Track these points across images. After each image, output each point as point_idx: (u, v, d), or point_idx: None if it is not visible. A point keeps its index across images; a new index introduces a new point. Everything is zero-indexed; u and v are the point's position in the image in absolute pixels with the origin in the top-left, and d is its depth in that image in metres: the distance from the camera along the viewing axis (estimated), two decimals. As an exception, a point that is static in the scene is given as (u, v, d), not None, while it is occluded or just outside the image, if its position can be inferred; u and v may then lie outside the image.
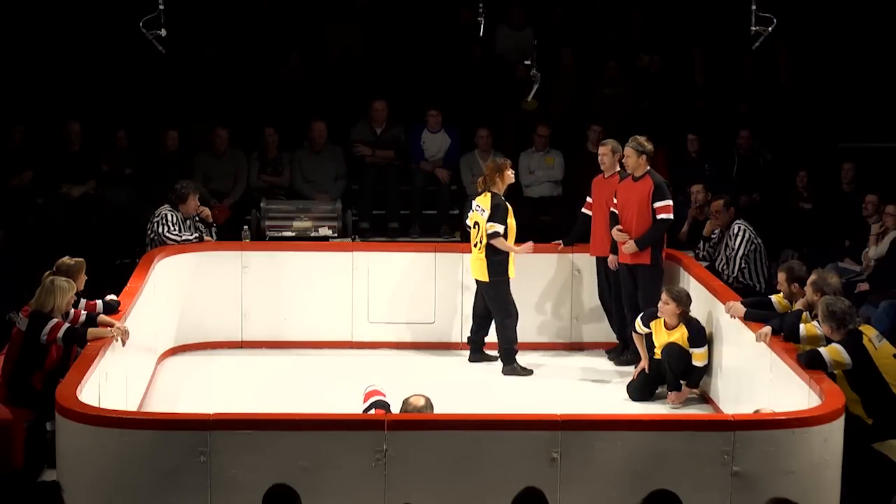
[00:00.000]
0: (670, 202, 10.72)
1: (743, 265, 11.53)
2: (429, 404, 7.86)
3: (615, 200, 10.92)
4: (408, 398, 7.90)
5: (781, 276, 9.53)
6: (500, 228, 10.75)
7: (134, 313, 9.54)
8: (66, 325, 8.73)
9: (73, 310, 9.08)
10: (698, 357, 10.05)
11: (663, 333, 10.09)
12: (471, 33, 12.93)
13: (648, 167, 10.76)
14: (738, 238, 11.60)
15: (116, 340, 8.75)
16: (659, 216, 10.66)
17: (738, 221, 11.75)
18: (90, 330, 8.77)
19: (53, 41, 14.39)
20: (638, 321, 10.26)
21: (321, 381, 10.60)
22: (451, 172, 13.71)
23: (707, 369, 10.14)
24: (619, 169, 11.11)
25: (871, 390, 8.21)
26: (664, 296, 10.03)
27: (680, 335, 10.05)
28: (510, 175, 11.02)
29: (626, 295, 10.79)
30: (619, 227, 10.77)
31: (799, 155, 13.74)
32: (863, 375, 8.20)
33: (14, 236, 12.46)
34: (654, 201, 10.65)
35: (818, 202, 13.13)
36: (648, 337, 10.23)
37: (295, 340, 11.51)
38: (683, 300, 10.01)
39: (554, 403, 9.75)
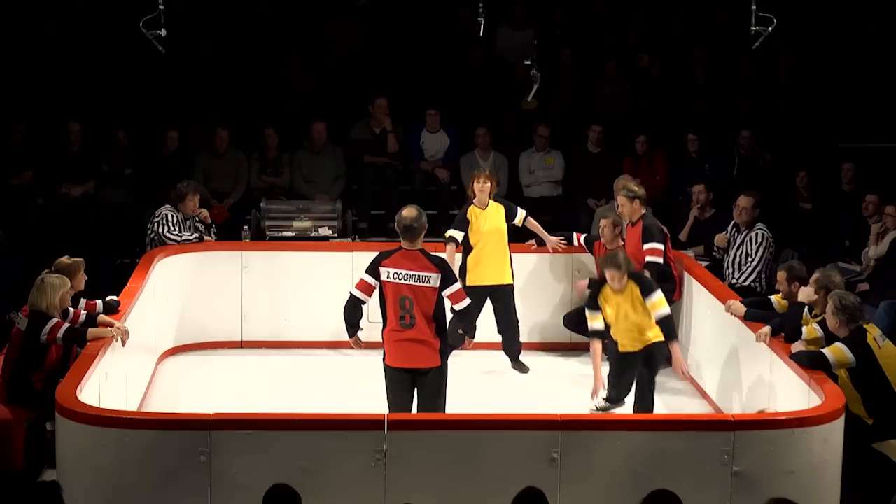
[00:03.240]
0: (660, 246, 10.48)
1: (756, 276, 11.30)
2: (420, 213, 8.45)
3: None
4: (401, 210, 8.41)
5: (781, 276, 9.49)
6: (451, 233, 10.85)
7: (134, 313, 9.54)
8: (66, 324, 8.73)
9: (72, 309, 9.08)
10: (657, 305, 9.19)
11: (615, 301, 9.31)
12: (471, 33, 12.93)
13: (643, 211, 10.66)
14: (757, 245, 11.29)
15: (116, 340, 8.75)
16: (646, 258, 10.45)
17: (760, 226, 11.38)
18: (90, 330, 8.76)
19: (53, 41, 14.39)
20: (587, 311, 9.48)
21: (321, 381, 10.60)
22: (451, 172, 13.72)
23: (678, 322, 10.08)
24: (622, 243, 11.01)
25: (873, 389, 8.20)
26: (609, 265, 9.27)
27: (630, 293, 9.26)
28: (473, 186, 10.87)
29: None
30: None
31: (799, 155, 13.74)
32: (866, 373, 8.20)
33: (14, 236, 12.45)
34: (643, 243, 10.52)
35: (818, 202, 13.12)
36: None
37: (295, 340, 11.51)
38: (621, 263, 9.24)
39: (554, 403, 9.75)
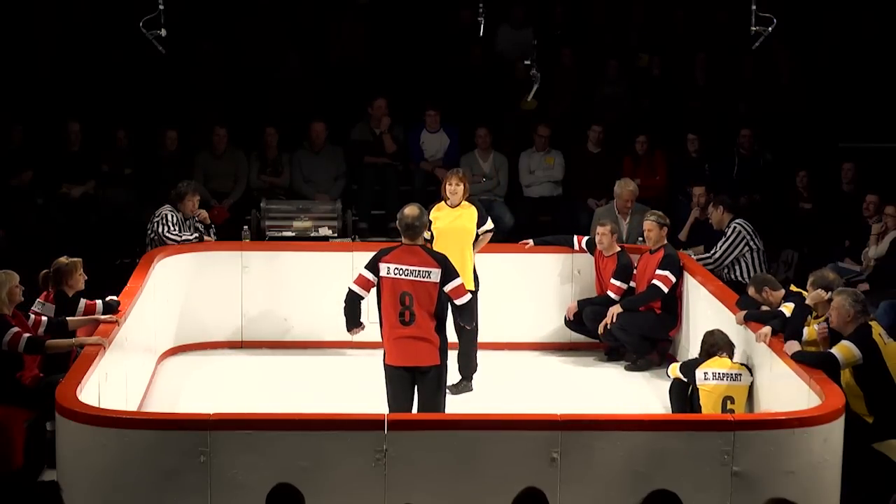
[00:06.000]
0: (672, 278, 10.76)
1: (729, 264, 11.53)
2: (422, 211, 8.48)
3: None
4: (402, 208, 8.40)
5: (778, 295, 9.45)
6: None
7: (134, 313, 9.55)
8: (26, 335, 8.55)
9: (33, 316, 8.97)
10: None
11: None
12: (471, 33, 12.93)
13: (665, 241, 10.95)
14: (730, 237, 11.62)
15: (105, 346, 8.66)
16: (653, 282, 10.76)
17: (737, 221, 11.73)
18: (48, 343, 8.66)
19: (53, 41, 14.39)
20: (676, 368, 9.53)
21: (321, 381, 10.59)
22: (451, 172, 13.71)
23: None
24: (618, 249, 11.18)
25: (876, 386, 8.21)
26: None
27: None
28: (445, 188, 10.29)
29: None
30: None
31: (799, 155, 13.74)
32: (870, 369, 8.20)
33: (14, 236, 12.46)
34: (658, 268, 10.78)
35: (818, 202, 13.12)
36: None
37: (295, 340, 11.50)
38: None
39: (554, 403, 9.74)
